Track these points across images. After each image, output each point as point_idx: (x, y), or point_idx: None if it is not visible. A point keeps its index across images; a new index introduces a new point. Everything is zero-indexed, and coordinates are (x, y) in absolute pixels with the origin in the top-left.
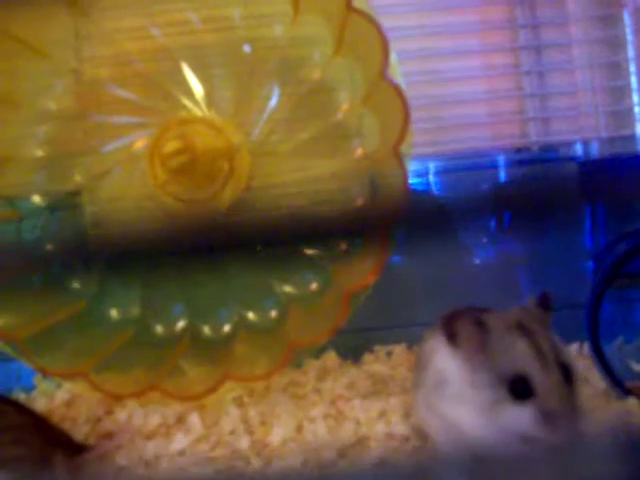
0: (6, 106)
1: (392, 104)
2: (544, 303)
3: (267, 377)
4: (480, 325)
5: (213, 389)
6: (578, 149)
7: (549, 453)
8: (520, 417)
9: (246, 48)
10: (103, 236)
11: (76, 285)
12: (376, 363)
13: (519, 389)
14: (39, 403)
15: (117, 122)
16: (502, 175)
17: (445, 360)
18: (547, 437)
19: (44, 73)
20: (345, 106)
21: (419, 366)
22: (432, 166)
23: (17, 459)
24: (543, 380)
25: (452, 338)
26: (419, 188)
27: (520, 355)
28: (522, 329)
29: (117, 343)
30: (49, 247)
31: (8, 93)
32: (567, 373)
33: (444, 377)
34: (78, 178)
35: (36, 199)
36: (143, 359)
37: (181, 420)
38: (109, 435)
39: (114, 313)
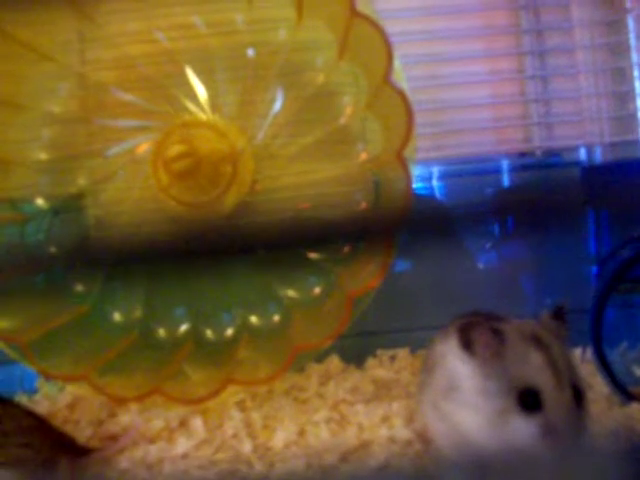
0: (10, 109)
1: (396, 108)
2: (559, 315)
3: (270, 381)
4: (497, 334)
5: (216, 393)
6: (582, 154)
7: (551, 462)
8: (524, 429)
9: (250, 52)
10: (106, 239)
11: (79, 288)
12: (379, 367)
13: (528, 401)
14: (42, 406)
15: (121, 125)
16: (505, 180)
17: (457, 366)
18: (547, 452)
19: (48, 76)
20: (349, 110)
21: (427, 369)
22: (436, 170)
23: (24, 461)
24: (553, 396)
25: (467, 345)
26: (423, 192)
27: (534, 368)
28: (538, 342)
29: (120, 346)
30: (52, 249)
31: (12, 96)
32: (578, 396)
33: (455, 382)
34: (82, 181)
35: (40, 202)
36: (146, 362)
37: (184, 424)
38: (112, 438)
39: (117, 316)
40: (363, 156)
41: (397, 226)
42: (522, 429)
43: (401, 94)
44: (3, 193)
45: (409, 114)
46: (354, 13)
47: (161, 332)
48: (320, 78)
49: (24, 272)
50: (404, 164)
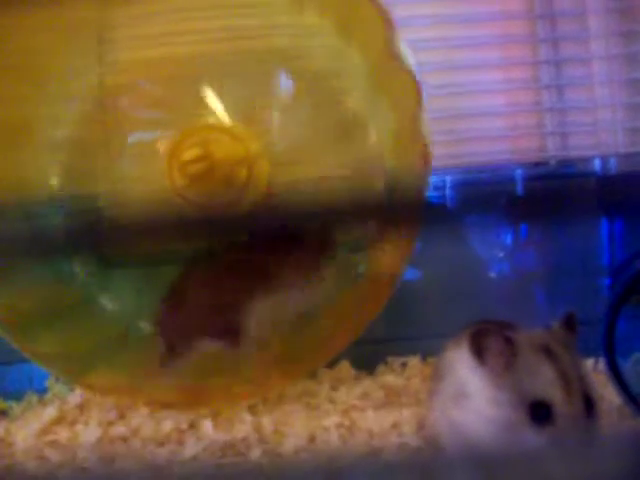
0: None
1: (404, 85)
2: (569, 324)
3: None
4: (508, 344)
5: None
6: (596, 164)
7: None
8: (535, 441)
9: (265, 57)
10: (118, 237)
11: (81, 277)
12: (390, 374)
13: (539, 414)
14: (51, 406)
15: (136, 129)
16: (519, 189)
17: (468, 374)
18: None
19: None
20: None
21: (437, 376)
22: (449, 179)
23: None
24: (565, 409)
25: (479, 354)
26: (436, 201)
27: (545, 380)
28: (550, 353)
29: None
30: (63, 240)
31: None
32: (590, 406)
33: (465, 390)
34: (96, 179)
35: (53, 197)
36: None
37: (194, 426)
38: (122, 439)
39: (114, 306)
40: (374, 141)
41: (415, 214)
42: (533, 441)
43: (408, 71)
44: (15, 181)
45: (418, 97)
46: None
47: None
48: (335, 82)
49: (33, 261)
50: (417, 145)
